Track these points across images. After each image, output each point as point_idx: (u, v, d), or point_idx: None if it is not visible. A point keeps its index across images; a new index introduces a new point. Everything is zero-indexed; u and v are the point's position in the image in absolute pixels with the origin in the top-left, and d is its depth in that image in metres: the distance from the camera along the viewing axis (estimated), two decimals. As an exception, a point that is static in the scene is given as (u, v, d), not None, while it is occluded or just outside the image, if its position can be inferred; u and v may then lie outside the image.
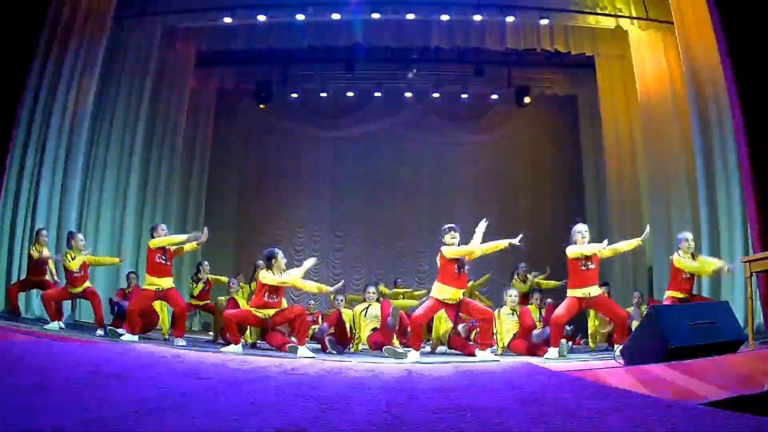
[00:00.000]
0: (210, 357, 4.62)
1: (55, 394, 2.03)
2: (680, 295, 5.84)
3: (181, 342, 6.03)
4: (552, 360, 5.29)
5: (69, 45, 7.99)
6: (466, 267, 5.48)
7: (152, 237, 6.21)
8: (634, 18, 8.93)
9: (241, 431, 1.67)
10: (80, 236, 6.74)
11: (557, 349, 5.61)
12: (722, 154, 7.25)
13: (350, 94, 11.92)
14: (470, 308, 5.50)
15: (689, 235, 6.02)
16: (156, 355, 4.27)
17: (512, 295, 6.73)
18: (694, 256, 5.91)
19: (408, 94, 11.97)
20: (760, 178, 6.17)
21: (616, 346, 6.01)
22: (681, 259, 5.77)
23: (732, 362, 3.39)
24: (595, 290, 5.63)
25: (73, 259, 6.45)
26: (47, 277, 6.89)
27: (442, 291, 5.39)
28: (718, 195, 7.23)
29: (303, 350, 5.54)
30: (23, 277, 7.12)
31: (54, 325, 6.23)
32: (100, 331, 6.37)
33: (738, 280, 6.80)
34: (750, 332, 4.49)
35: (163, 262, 6.15)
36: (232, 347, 5.62)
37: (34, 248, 6.80)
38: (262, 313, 5.76)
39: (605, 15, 9.09)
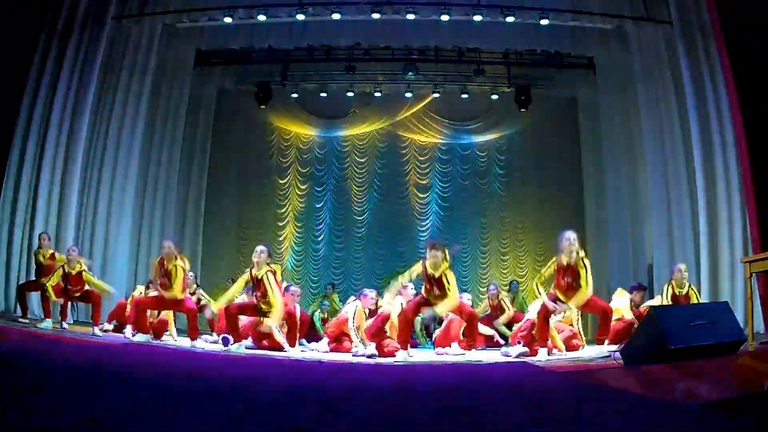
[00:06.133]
0: (210, 357, 4.62)
1: (55, 394, 2.03)
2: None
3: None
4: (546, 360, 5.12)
5: (69, 44, 7.98)
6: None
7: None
8: (634, 18, 8.92)
9: (242, 431, 1.67)
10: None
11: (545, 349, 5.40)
12: (722, 154, 7.24)
13: (350, 94, 11.90)
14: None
15: (683, 266, 6.19)
16: (156, 355, 4.27)
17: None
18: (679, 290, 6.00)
19: (408, 94, 11.96)
20: (760, 178, 6.19)
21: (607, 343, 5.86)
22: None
23: (732, 362, 3.39)
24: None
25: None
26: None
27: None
28: (718, 195, 7.22)
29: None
30: (23, 277, 7.13)
31: (48, 324, 6.22)
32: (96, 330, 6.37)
33: (738, 281, 6.80)
34: (750, 332, 4.49)
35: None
36: (237, 345, 5.63)
37: (39, 252, 6.84)
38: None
39: (605, 15, 9.08)
